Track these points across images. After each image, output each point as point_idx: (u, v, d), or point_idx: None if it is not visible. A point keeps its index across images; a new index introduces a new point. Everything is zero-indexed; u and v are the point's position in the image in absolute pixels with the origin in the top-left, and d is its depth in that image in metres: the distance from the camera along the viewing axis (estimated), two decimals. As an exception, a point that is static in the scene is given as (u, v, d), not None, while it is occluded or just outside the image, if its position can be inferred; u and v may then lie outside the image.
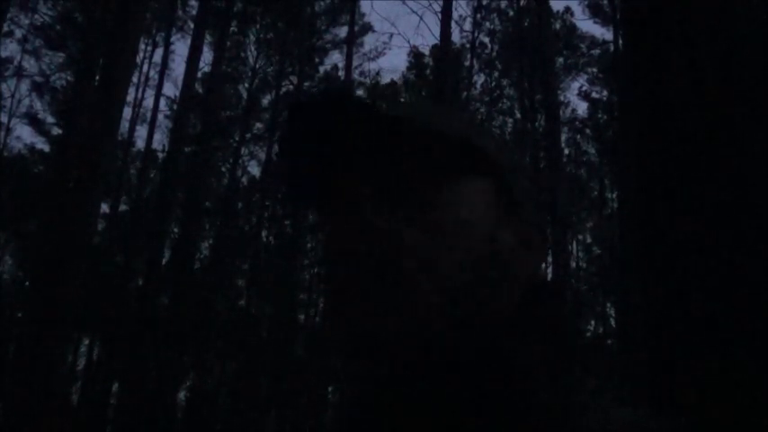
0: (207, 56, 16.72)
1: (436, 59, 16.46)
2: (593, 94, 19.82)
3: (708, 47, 1.69)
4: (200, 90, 16.75)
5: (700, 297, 1.54)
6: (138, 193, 18.77)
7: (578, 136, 20.67)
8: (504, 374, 0.51)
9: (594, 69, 19.90)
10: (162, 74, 19.54)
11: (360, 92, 20.14)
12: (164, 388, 11.87)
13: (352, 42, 18.58)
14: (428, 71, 19.05)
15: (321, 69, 19.82)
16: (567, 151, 19.50)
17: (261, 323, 15.58)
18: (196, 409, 12.39)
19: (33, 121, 18.91)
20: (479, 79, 18.79)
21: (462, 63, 17.80)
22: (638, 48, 1.90)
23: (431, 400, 0.51)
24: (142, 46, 18.83)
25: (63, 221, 7.03)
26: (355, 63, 19.32)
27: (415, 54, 19.45)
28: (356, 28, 19.65)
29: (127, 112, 19.41)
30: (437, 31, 18.78)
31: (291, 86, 18.00)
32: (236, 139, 16.96)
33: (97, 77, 8.32)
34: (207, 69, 16.69)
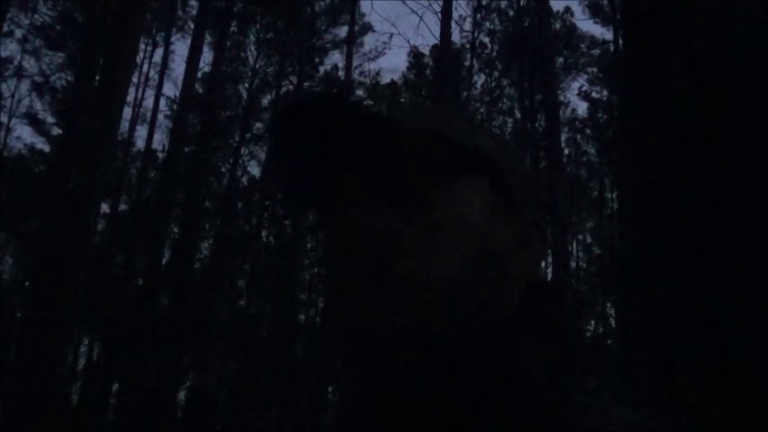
0: (207, 56, 16.74)
1: (436, 59, 16.46)
2: (593, 94, 19.83)
3: (708, 47, 1.69)
4: (200, 90, 16.75)
5: (700, 297, 1.54)
6: (138, 193, 18.78)
7: (578, 136, 20.67)
8: (504, 374, 0.51)
9: (594, 69, 19.90)
10: (162, 74, 19.55)
11: (360, 92, 20.15)
12: (164, 388, 11.87)
13: (352, 42, 18.59)
14: (428, 71, 19.05)
15: (321, 69, 19.81)
16: (567, 151, 19.51)
17: (261, 323, 15.58)
18: (196, 409, 12.39)
19: (33, 121, 18.92)
20: (479, 79, 18.80)
21: (462, 63, 17.80)
22: (638, 48, 1.90)
23: (431, 400, 0.51)
24: (142, 46, 18.83)
25: (63, 221, 7.03)
26: (355, 63, 19.33)
27: (415, 54, 19.46)
28: (356, 28, 19.65)
29: (127, 112, 19.41)
30: (437, 31, 18.78)
31: (291, 86, 18.00)
32: (236, 139, 16.96)
33: (97, 77, 8.32)
34: (207, 69, 16.70)
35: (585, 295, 19.44)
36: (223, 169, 17.42)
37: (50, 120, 18.17)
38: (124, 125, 18.33)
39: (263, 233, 17.82)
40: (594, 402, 0.52)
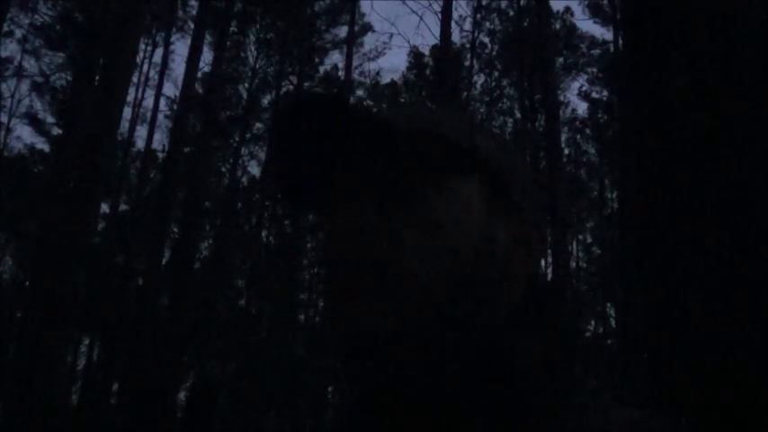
0: (207, 56, 16.74)
1: (436, 59, 16.46)
2: (593, 94, 19.84)
3: (708, 47, 1.69)
4: (200, 90, 16.75)
5: (700, 297, 1.54)
6: (138, 193, 18.78)
7: (578, 136, 20.68)
8: (504, 374, 0.51)
9: (594, 69, 19.91)
10: (162, 74, 19.56)
11: (360, 92, 20.16)
12: (164, 388, 11.87)
13: (352, 42, 18.58)
14: (428, 71, 19.05)
15: (321, 69, 19.83)
16: (567, 151, 19.51)
17: (261, 323, 15.58)
18: (196, 409, 12.40)
19: (33, 121, 18.93)
20: (479, 79, 18.80)
21: (462, 63, 17.80)
22: (638, 48, 1.90)
23: (431, 400, 0.51)
24: (142, 46, 18.84)
25: (63, 221, 7.03)
26: (355, 63, 19.33)
27: (415, 54, 19.45)
28: (356, 28, 19.65)
29: (127, 112, 19.42)
30: (437, 31, 18.80)
31: (291, 86, 18.00)
32: (236, 139, 16.96)
33: (97, 77, 8.32)
34: (207, 69, 16.70)
35: (585, 295, 19.45)
36: (223, 169, 17.43)
37: (50, 120, 18.18)
38: (124, 125, 18.35)
39: (263, 233, 17.82)
40: (594, 402, 0.52)
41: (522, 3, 17.29)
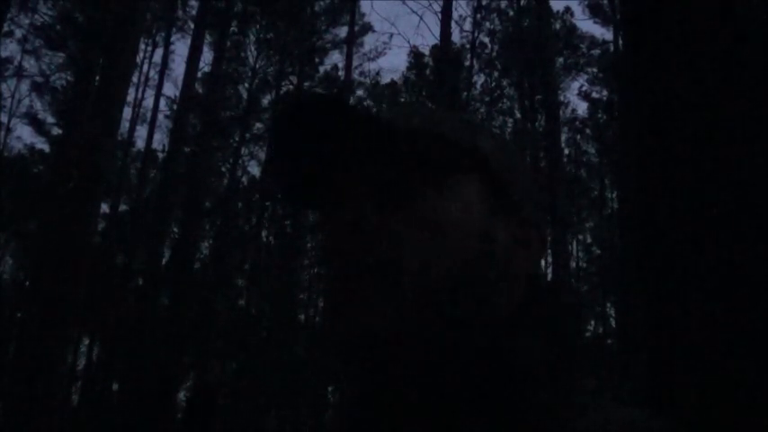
0: (207, 56, 16.75)
1: (436, 59, 16.46)
2: (593, 94, 19.84)
3: (708, 47, 1.69)
4: (200, 90, 16.75)
5: (700, 297, 1.54)
6: (138, 193, 18.79)
7: (578, 136, 20.68)
8: (504, 374, 0.51)
9: (594, 69, 19.91)
10: (162, 74, 19.58)
11: (360, 92, 20.15)
12: (164, 388, 11.87)
13: (352, 42, 18.59)
14: (428, 71, 19.04)
15: (321, 69, 19.83)
16: (567, 151, 19.51)
17: (261, 323, 15.58)
18: (196, 409, 12.39)
19: (33, 121, 18.93)
20: (479, 79, 18.79)
21: (462, 63, 17.79)
22: (638, 48, 1.90)
23: (431, 400, 0.51)
24: (142, 46, 18.84)
25: (63, 221, 7.03)
26: (355, 63, 19.34)
27: (415, 54, 19.45)
28: (356, 28, 19.66)
29: (127, 112, 19.43)
30: (437, 31, 18.77)
31: (291, 86, 18.00)
32: (236, 139, 16.96)
33: (97, 77, 8.32)
34: (207, 69, 16.70)
35: (585, 295, 19.45)
36: (223, 169, 17.43)
37: (50, 120, 18.18)
38: (124, 125, 18.36)
39: (263, 233, 17.82)
40: (594, 402, 0.52)
41: (522, 3, 17.29)
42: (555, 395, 0.51)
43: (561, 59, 19.00)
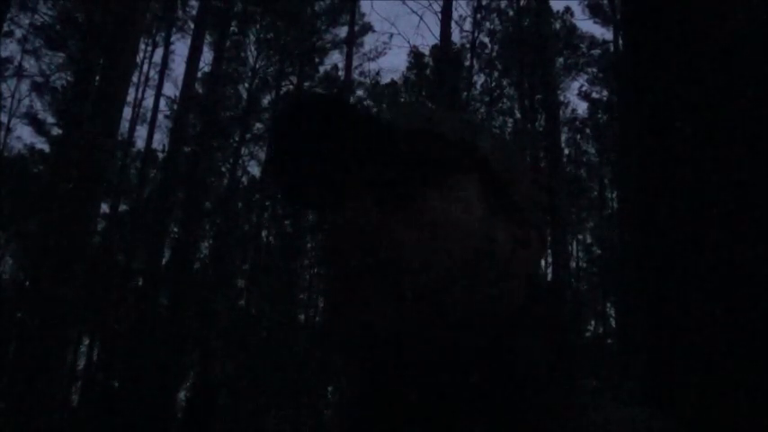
0: (207, 56, 16.75)
1: (436, 59, 16.46)
2: (593, 94, 19.83)
3: (708, 47, 1.69)
4: (201, 90, 16.75)
5: (700, 297, 1.54)
6: (138, 193, 18.79)
7: (578, 136, 20.67)
8: (504, 374, 0.51)
9: (594, 69, 19.91)
10: (162, 74, 19.57)
11: (360, 92, 20.15)
12: (164, 388, 11.87)
13: (352, 42, 18.59)
14: (428, 71, 19.03)
15: (321, 69, 19.82)
16: (567, 151, 19.50)
17: (261, 323, 15.58)
18: (196, 409, 12.39)
19: (33, 121, 18.93)
20: (479, 79, 18.78)
21: (462, 63, 17.79)
22: (638, 48, 1.90)
23: (431, 399, 0.51)
24: (142, 46, 18.84)
25: (63, 221, 7.03)
26: (355, 63, 19.33)
27: (415, 54, 19.44)
28: (356, 28, 19.65)
29: (127, 112, 19.43)
30: (437, 31, 18.79)
31: (291, 86, 18.00)
32: (236, 139, 16.96)
33: (97, 77, 8.32)
34: (207, 69, 16.70)
35: (585, 295, 19.45)
36: (223, 169, 17.43)
37: (50, 120, 18.18)
38: (124, 125, 18.36)
39: (263, 233, 17.82)
40: (594, 402, 0.52)
41: (522, 3, 17.29)
42: (555, 395, 0.51)
43: (561, 59, 19.00)
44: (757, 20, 1.65)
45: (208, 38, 16.53)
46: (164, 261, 14.44)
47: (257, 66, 17.93)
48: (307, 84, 18.30)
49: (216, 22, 16.08)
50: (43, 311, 6.68)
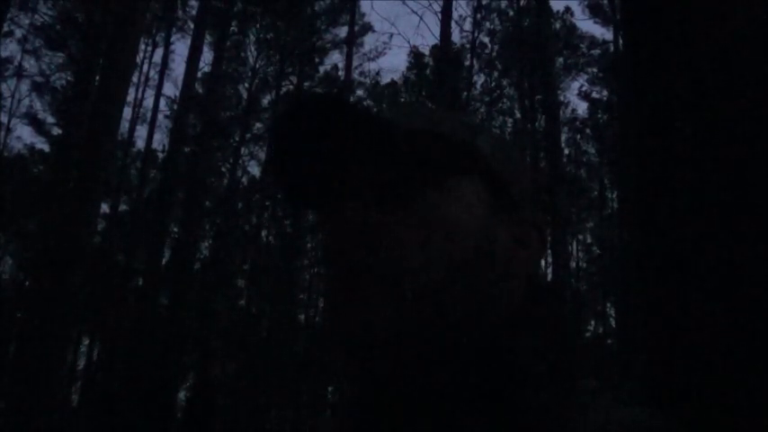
0: (207, 56, 16.74)
1: (436, 59, 16.46)
2: (594, 94, 19.84)
3: (708, 47, 1.69)
4: (201, 90, 16.75)
5: (700, 297, 1.54)
6: (138, 193, 18.78)
7: (578, 136, 20.67)
8: (504, 374, 0.51)
9: (594, 69, 19.91)
10: (162, 74, 19.57)
11: (360, 92, 20.15)
12: (164, 388, 11.87)
13: (352, 42, 18.59)
14: (428, 71, 19.03)
15: (321, 69, 19.82)
16: (567, 151, 19.50)
17: (261, 323, 15.58)
18: (196, 408, 12.39)
19: (33, 121, 18.93)
20: (479, 79, 18.78)
21: (462, 63, 17.78)
22: (638, 48, 1.90)
23: (431, 399, 0.51)
24: (142, 46, 18.84)
25: (63, 221, 7.03)
26: (355, 63, 19.33)
27: (415, 54, 19.44)
28: (356, 28, 19.66)
29: (127, 112, 19.42)
30: (437, 31, 18.77)
31: (291, 86, 18.00)
32: (236, 139, 16.96)
33: (97, 77, 8.32)
34: (207, 69, 16.70)
35: (585, 295, 19.45)
36: (223, 169, 17.43)
37: (50, 120, 18.17)
38: (124, 125, 18.35)
39: (263, 233, 17.82)
40: (594, 402, 0.52)
41: (522, 3, 17.29)
42: (555, 395, 0.51)
43: (561, 59, 19.00)
44: (757, 20, 1.65)
45: (208, 38, 16.53)
46: (164, 261, 14.44)
47: (257, 66, 17.94)
48: (307, 84, 18.30)
49: (216, 22, 16.08)
50: (43, 311, 6.68)
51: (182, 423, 13.00)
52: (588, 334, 18.27)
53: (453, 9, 14.21)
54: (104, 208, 17.25)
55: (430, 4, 27.08)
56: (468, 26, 19.91)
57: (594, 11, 19.29)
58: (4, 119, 18.33)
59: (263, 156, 17.71)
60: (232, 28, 16.73)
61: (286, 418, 14.90)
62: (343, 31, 19.51)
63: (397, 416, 0.52)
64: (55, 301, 6.69)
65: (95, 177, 7.30)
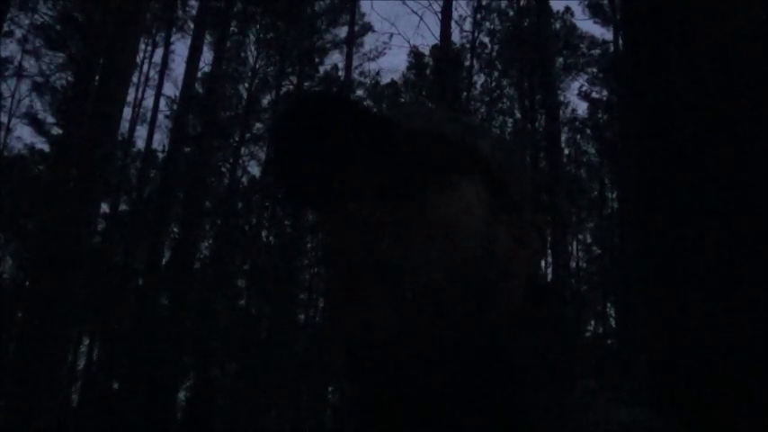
0: (207, 56, 16.75)
1: (436, 59, 16.46)
2: (593, 94, 19.84)
3: (708, 47, 1.69)
4: (200, 90, 16.75)
5: (700, 297, 1.54)
6: (138, 193, 18.79)
7: (578, 136, 20.68)
8: (504, 374, 0.51)
9: (594, 69, 19.92)
10: (162, 74, 19.57)
11: (360, 92, 20.15)
12: (164, 388, 11.87)
13: (352, 42, 18.59)
14: (428, 71, 19.04)
15: (321, 69, 19.83)
16: (567, 151, 19.51)
17: (261, 323, 15.58)
18: (196, 409, 12.39)
19: (33, 121, 18.93)
20: (479, 79, 18.79)
21: (462, 63, 17.78)
22: (638, 48, 1.90)
23: (431, 400, 0.51)
24: (142, 46, 18.85)
25: (63, 221, 7.02)
26: (355, 63, 19.33)
27: (415, 54, 19.45)
28: (356, 28, 19.66)
29: (127, 112, 19.44)
30: (437, 31, 18.79)
31: (291, 86, 18.00)
32: (236, 139, 16.96)
33: (97, 77, 8.32)
34: (207, 69, 16.70)
35: (585, 295, 19.46)
36: (223, 169, 17.43)
37: (50, 120, 18.18)
38: (124, 125, 18.37)
39: (263, 233, 17.83)
40: (594, 402, 0.52)
41: (522, 3, 17.29)
42: (555, 395, 0.51)
43: (561, 59, 19.00)
44: (757, 20, 1.65)
45: (208, 38, 16.54)
46: (164, 261, 14.44)
47: (257, 66, 17.95)
48: (307, 84, 18.30)
49: (216, 22, 16.08)
50: (43, 311, 6.68)
51: (182, 423, 13.00)
52: (588, 334, 18.27)
53: (453, 9, 14.22)
54: (104, 208, 17.27)
55: (430, 4, 27.10)
56: (468, 26, 19.92)
57: (594, 11, 19.30)
58: (4, 119, 18.34)
59: (263, 156, 17.73)
60: (232, 28, 16.74)
61: (286, 418, 14.90)
62: (343, 31, 19.53)
63: (398, 416, 0.52)
64: (55, 301, 6.69)
65: (95, 177, 7.30)
